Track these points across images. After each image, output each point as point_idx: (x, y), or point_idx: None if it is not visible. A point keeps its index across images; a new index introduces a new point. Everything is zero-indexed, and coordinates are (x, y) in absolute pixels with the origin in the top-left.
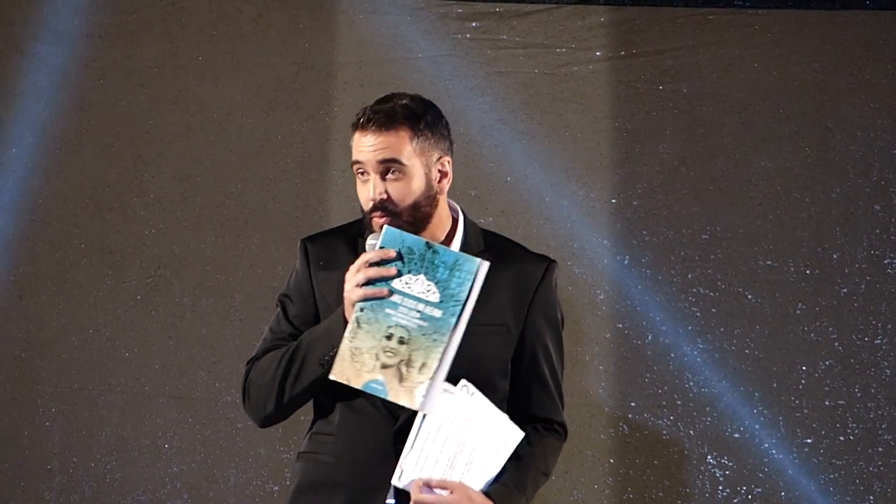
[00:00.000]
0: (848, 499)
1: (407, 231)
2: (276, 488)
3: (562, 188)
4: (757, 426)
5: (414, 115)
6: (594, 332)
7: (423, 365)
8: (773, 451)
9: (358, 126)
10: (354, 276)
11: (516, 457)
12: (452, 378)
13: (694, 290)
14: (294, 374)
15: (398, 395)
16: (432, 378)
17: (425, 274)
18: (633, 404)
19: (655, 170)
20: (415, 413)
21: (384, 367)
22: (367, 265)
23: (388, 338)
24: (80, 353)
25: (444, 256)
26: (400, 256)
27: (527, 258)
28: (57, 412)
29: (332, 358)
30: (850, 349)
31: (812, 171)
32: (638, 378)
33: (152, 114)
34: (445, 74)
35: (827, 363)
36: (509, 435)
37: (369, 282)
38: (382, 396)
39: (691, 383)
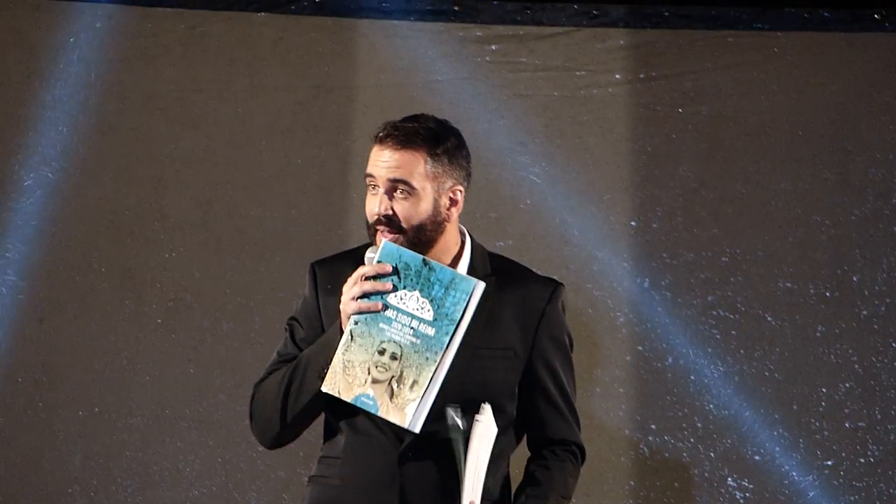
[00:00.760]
0: None
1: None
2: None
3: (581, 211)
4: (777, 448)
5: (434, 138)
6: (614, 354)
7: (415, 382)
8: (794, 474)
9: (377, 139)
10: (350, 289)
11: (535, 482)
12: (460, 401)
13: (714, 312)
14: (295, 390)
15: (388, 412)
16: (423, 397)
17: (420, 291)
18: (653, 427)
19: (675, 192)
20: (419, 436)
21: (375, 381)
22: (363, 278)
23: (381, 352)
24: (101, 376)
25: (440, 274)
26: (396, 271)
27: (534, 281)
28: (77, 436)
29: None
30: (870, 371)
31: (832, 193)
32: (658, 400)
33: (172, 137)
34: (465, 97)
35: (847, 385)
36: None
37: (365, 295)
38: (373, 412)
39: (711, 406)
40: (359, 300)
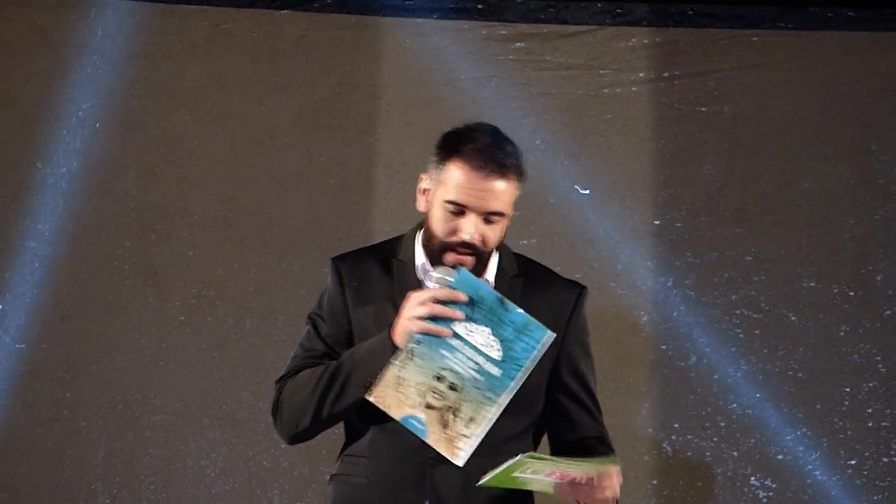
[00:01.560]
0: None
1: (474, 271)
2: None
3: (605, 210)
4: (800, 448)
5: (521, 165)
6: (637, 353)
7: (472, 420)
8: (817, 473)
9: (472, 167)
10: (417, 308)
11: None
12: None
13: (737, 311)
14: (335, 393)
15: (438, 442)
16: (476, 435)
17: (491, 328)
18: (676, 426)
19: (698, 191)
20: None
21: (429, 407)
22: (433, 301)
23: (439, 379)
24: (124, 374)
25: (513, 316)
26: (469, 302)
27: (559, 285)
28: (101, 433)
29: (376, 383)
30: (893, 370)
31: (855, 192)
32: (681, 400)
33: (196, 135)
34: (489, 96)
35: (870, 385)
36: None
37: (432, 318)
38: (420, 436)
39: (735, 405)
40: (426, 321)
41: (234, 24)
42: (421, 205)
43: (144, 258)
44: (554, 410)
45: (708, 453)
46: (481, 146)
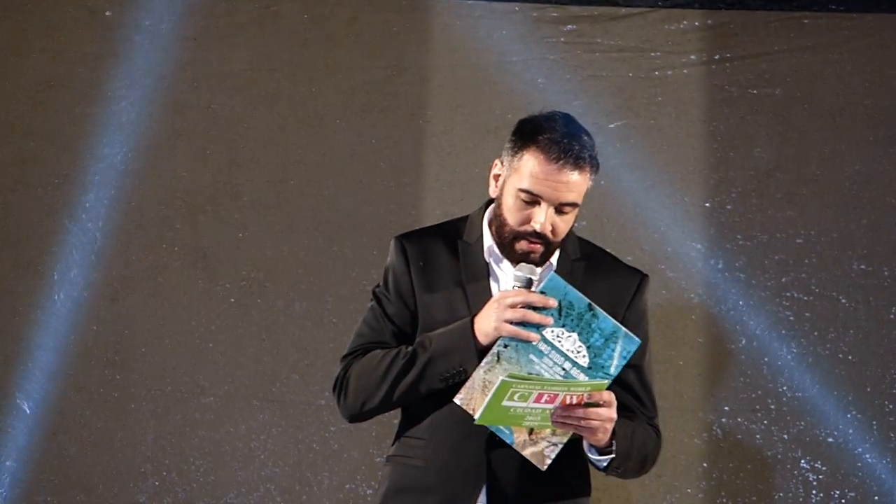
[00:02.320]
0: None
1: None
2: (370, 491)
3: (656, 192)
4: (850, 430)
5: (595, 157)
6: (688, 336)
7: None
8: (867, 456)
9: (550, 158)
10: (507, 311)
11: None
12: None
13: (788, 294)
14: (410, 380)
15: (524, 447)
16: (563, 442)
17: (579, 334)
18: (726, 408)
19: (749, 174)
20: None
21: None
22: (525, 306)
23: None
24: (173, 355)
25: (602, 323)
26: (558, 307)
27: (621, 271)
28: (150, 415)
29: (455, 377)
30: None
31: None
32: (731, 382)
33: (246, 116)
34: (539, 78)
35: None
36: None
37: (521, 322)
38: (505, 440)
39: (785, 387)
40: (516, 326)
41: (284, 7)
42: (492, 190)
43: (194, 240)
44: None
45: (758, 436)
46: (557, 137)
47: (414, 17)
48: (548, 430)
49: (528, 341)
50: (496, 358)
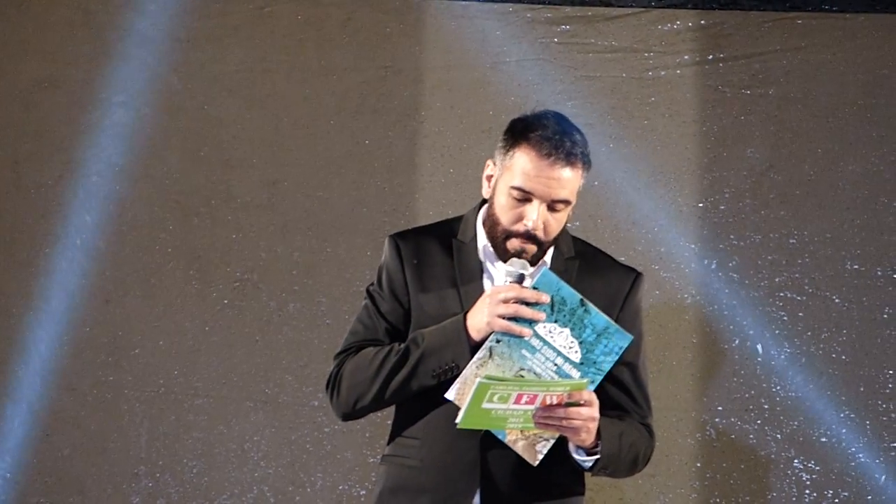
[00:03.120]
0: None
1: (535, 256)
2: (363, 492)
3: (649, 192)
4: (844, 430)
5: (588, 154)
6: (681, 336)
7: None
8: (860, 455)
9: (542, 154)
10: (500, 307)
11: (613, 419)
12: None
13: (781, 294)
14: (403, 377)
15: (516, 444)
16: (556, 438)
17: (571, 329)
18: (719, 408)
19: (743, 174)
20: None
21: None
22: (517, 301)
23: None
24: (167, 357)
25: (594, 319)
26: (550, 303)
27: (615, 270)
28: (143, 416)
29: (447, 373)
30: None
31: None
32: (725, 382)
33: (239, 118)
34: (533, 78)
35: None
36: None
37: (514, 318)
38: (499, 437)
39: (778, 387)
40: (508, 321)
41: (278, 8)
42: (485, 190)
43: (188, 242)
44: (602, 403)
45: (751, 436)
46: (549, 134)
47: (408, 18)
48: (534, 431)
49: (520, 336)
50: (488, 353)
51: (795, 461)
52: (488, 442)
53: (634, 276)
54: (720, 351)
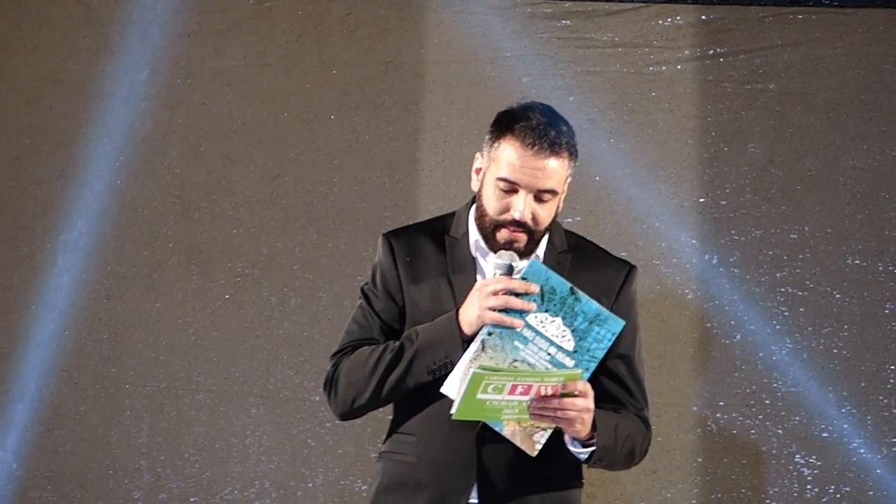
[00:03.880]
0: None
1: (526, 248)
2: (364, 487)
3: (650, 187)
4: (845, 425)
5: (573, 144)
6: (682, 331)
7: None
8: (862, 451)
9: (525, 144)
10: (489, 299)
11: (608, 411)
12: None
13: (782, 289)
14: (398, 375)
15: (514, 435)
16: (552, 427)
17: (563, 318)
18: (721, 403)
19: (744, 169)
20: None
21: None
22: (507, 293)
23: None
24: (168, 352)
25: (585, 306)
26: (540, 293)
27: (609, 263)
28: (145, 411)
29: (441, 368)
30: None
31: None
32: (726, 377)
33: (240, 113)
34: (533, 73)
35: None
36: None
37: (504, 309)
38: (496, 429)
39: (779, 382)
40: (499, 313)
41: (278, 2)
42: (474, 183)
43: (188, 236)
44: (598, 395)
45: (752, 431)
46: (534, 124)
47: (408, 12)
48: (530, 422)
49: (512, 328)
50: (481, 346)
51: (797, 456)
52: (485, 437)
53: (628, 268)
54: (721, 346)
